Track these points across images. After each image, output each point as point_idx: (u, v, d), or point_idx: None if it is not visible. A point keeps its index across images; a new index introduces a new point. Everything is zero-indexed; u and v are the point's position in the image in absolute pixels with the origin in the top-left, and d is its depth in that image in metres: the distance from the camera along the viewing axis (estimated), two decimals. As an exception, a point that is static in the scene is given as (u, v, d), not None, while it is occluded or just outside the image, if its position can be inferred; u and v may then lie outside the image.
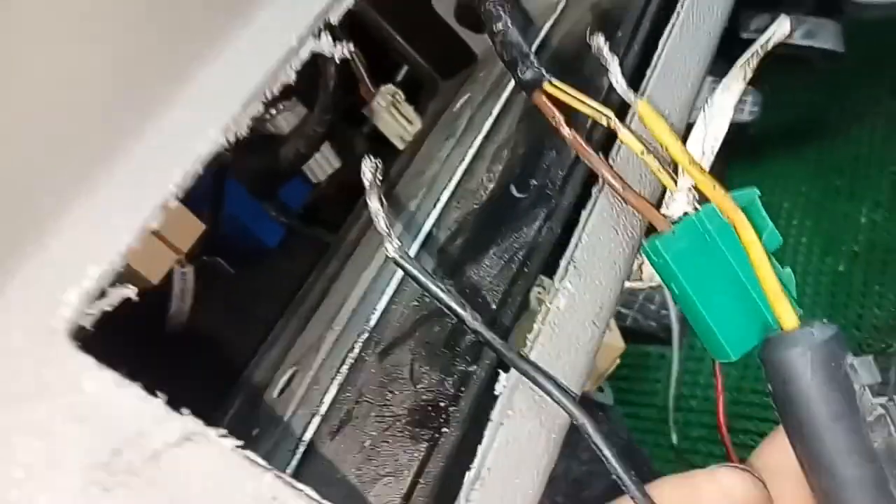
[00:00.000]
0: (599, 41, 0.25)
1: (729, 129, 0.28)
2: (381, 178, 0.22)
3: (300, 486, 0.19)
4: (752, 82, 0.28)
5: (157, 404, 0.18)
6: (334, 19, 0.22)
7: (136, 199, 0.18)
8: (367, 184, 0.22)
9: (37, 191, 0.16)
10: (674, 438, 0.93)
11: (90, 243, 0.17)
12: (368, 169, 0.23)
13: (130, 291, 0.20)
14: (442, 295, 0.22)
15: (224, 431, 0.19)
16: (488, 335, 0.22)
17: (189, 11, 0.18)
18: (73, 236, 0.17)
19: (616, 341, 0.70)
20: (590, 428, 0.21)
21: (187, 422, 0.18)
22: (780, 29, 0.27)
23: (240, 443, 0.19)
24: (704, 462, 0.97)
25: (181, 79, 0.18)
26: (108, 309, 0.20)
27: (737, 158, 1.15)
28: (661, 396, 0.94)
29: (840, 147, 1.16)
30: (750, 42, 0.27)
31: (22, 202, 0.16)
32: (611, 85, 0.35)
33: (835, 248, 1.08)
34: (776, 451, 0.23)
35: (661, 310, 0.93)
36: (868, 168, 1.12)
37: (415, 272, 0.22)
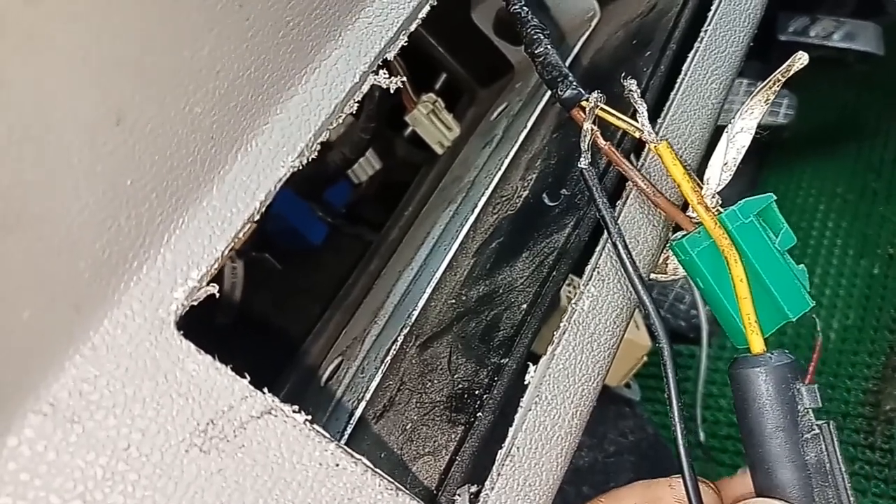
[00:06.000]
0: (632, 86, 0.27)
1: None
2: (597, 110, 0.28)
3: (358, 456, 0.23)
4: (786, 84, 0.30)
5: (244, 384, 0.21)
6: (391, 56, 0.25)
7: (229, 216, 0.21)
8: (587, 111, 0.28)
9: (157, 211, 0.20)
10: (701, 437, 0.94)
11: (193, 252, 0.21)
12: (593, 100, 0.28)
13: (214, 289, 0.24)
14: (597, 195, 0.27)
15: (296, 407, 0.22)
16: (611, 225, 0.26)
17: (271, 55, 0.22)
18: (180, 247, 0.21)
19: (643, 339, 0.72)
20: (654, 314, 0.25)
21: (267, 398, 0.22)
22: (799, 61, 0.29)
23: (309, 417, 0.22)
24: (732, 461, 0.98)
25: (263, 116, 0.22)
26: (195, 304, 0.24)
27: (772, 160, 1.15)
28: (689, 395, 0.96)
29: (877, 149, 1.15)
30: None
31: (145, 222, 0.20)
32: (640, 96, 0.38)
33: (870, 251, 1.07)
34: (739, 485, 0.26)
35: (690, 310, 0.94)
36: (906, 171, 1.12)
37: (591, 183, 0.28)
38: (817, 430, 0.25)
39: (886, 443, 0.91)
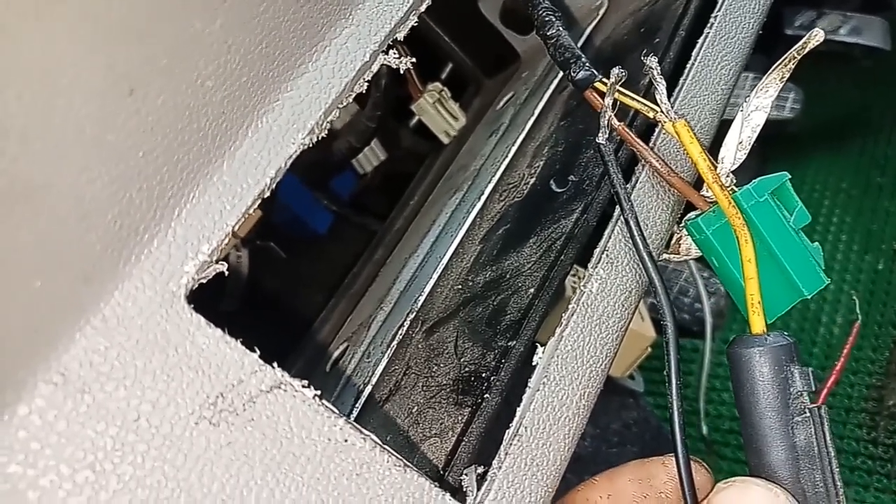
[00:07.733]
0: (653, 63, 0.27)
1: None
2: (618, 87, 0.28)
3: (366, 432, 0.23)
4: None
5: (254, 358, 0.22)
6: (401, 36, 0.25)
7: (239, 192, 0.21)
8: (609, 87, 0.28)
9: (168, 185, 0.20)
10: (704, 430, 0.94)
11: (204, 227, 0.21)
12: (614, 76, 0.28)
13: (222, 267, 0.24)
14: (612, 170, 0.27)
15: (306, 382, 0.22)
16: (624, 198, 0.27)
17: (282, 31, 0.22)
18: (191, 221, 0.21)
19: (647, 330, 0.72)
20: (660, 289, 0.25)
21: (277, 373, 0.22)
22: (815, 38, 0.29)
23: (318, 392, 0.22)
24: (734, 454, 0.97)
25: (273, 92, 0.22)
26: (205, 280, 0.24)
27: (777, 155, 1.15)
28: (692, 389, 0.96)
29: (882, 144, 1.15)
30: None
31: (156, 195, 0.20)
32: (649, 83, 0.38)
33: (874, 246, 1.07)
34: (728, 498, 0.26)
35: (694, 303, 0.94)
36: (911, 166, 1.11)
37: (608, 159, 0.28)
38: (808, 414, 0.25)
39: (889, 438, 0.91)
